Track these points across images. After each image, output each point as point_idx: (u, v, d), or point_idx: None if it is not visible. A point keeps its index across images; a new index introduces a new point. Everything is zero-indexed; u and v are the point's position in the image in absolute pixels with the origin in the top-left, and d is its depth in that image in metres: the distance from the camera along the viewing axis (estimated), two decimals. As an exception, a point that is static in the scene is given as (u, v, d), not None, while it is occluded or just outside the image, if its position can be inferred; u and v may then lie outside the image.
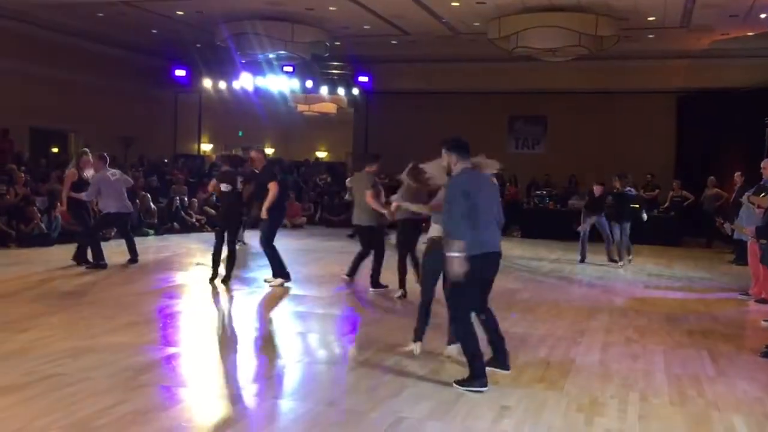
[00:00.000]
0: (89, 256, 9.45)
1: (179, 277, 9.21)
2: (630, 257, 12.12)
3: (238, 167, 8.43)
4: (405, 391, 4.66)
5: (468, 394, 4.70)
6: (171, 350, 5.61)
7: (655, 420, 4.42)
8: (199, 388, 4.61)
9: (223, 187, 8.33)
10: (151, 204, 14.18)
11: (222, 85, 20.20)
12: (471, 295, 4.85)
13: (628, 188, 12.14)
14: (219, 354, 5.65)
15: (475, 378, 4.73)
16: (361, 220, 8.46)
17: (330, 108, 21.90)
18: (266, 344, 6.08)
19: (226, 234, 8.39)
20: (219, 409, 4.27)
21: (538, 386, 5.01)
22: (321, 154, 25.52)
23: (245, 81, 19.60)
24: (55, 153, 18.49)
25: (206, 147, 22.71)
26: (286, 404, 4.39)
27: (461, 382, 4.75)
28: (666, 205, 17.06)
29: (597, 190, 12.08)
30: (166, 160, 19.76)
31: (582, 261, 12.09)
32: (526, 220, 16.74)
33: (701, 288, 10.11)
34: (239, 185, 8.33)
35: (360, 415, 4.18)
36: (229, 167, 8.41)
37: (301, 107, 21.77)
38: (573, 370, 5.43)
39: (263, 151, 9.11)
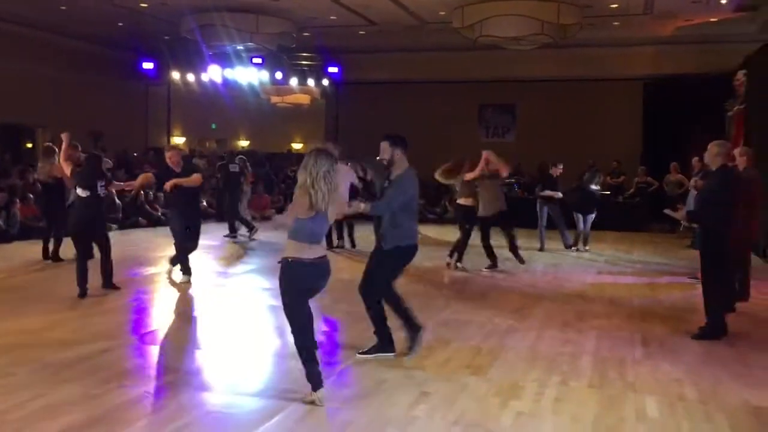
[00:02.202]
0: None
1: (137, 272, 9.18)
2: (587, 247, 12.24)
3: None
4: (329, 380, 4.67)
5: (390, 380, 4.76)
6: (103, 345, 5.61)
7: (569, 403, 4.48)
8: (117, 384, 4.57)
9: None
10: (116, 198, 14.05)
11: (190, 77, 20.11)
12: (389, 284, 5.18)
13: (594, 186, 12.16)
14: (150, 349, 5.65)
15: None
16: None
17: (303, 99, 21.81)
18: (200, 336, 6.11)
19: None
20: (131, 404, 4.24)
21: (463, 372, 5.07)
22: (297, 146, 25.11)
23: (214, 73, 19.54)
24: (28, 148, 18.30)
25: (179, 140, 22.43)
26: (200, 396, 4.41)
27: (365, 352, 5.16)
28: (631, 191, 17.16)
29: (555, 171, 12.02)
30: (135, 154, 19.63)
31: (541, 249, 12.03)
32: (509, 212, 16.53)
33: (653, 272, 10.21)
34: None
35: (277, 404, 4.22)
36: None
37: (273, 99, 21.71)
38: (501, 357, 5.49)
39: (177, 148, 8.99)
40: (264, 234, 13.79)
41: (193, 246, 8.47)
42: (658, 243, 14.06)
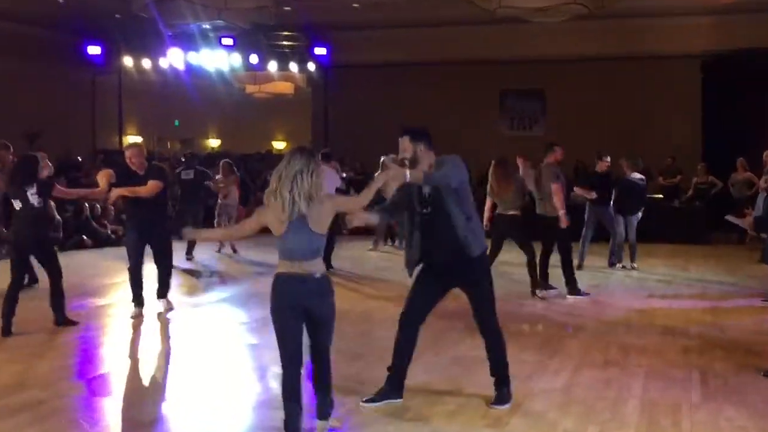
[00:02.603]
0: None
1: (84, 304, 9.07)
2: (634, 263, 12.22)
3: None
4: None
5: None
6: (41, 394, 5.59)
7: (609, 460, 4.46)
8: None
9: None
10: (56, 214, 14.04)
11: (146, 63, 20.27)
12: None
13: (637, 175, 12.15)
14: (100, 398, 5.66)
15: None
16: None
17: (285, 88, 22.14)
18: (159, 382, 6.12)
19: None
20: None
21: (478, 424, 5.04)
22: (279, 145, 25.63)
23: (175, 58, 19.76)
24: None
25: (134, 140, 21.94)
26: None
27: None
28: (690, 193, 17.21)
29: (601, 166, 11.84)
30: (80, 158, 19.68)
31: (579, 267, 11.75)
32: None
33: (716, 294, 10.22)
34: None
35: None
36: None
37: (249, 88, 22.08)
38: (526, 404, 5.46)
39: (138, 146, 8.81)
40: (245, 253, 13.86)
41: (162, 271, 8.50)
42: (723, 257, 14.07)
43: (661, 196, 17.11)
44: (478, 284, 5.20)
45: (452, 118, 19.69)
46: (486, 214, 9.76)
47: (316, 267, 4.37)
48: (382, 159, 13.27)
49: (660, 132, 19.10)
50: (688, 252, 14.61)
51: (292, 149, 4.36)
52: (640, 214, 12.00)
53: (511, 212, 9.53)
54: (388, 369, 5.31)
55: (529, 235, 9.72)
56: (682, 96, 19.41)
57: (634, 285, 10.87)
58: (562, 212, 9.40)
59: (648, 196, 15.91)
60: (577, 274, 11.04)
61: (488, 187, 9.63)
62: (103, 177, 8.15)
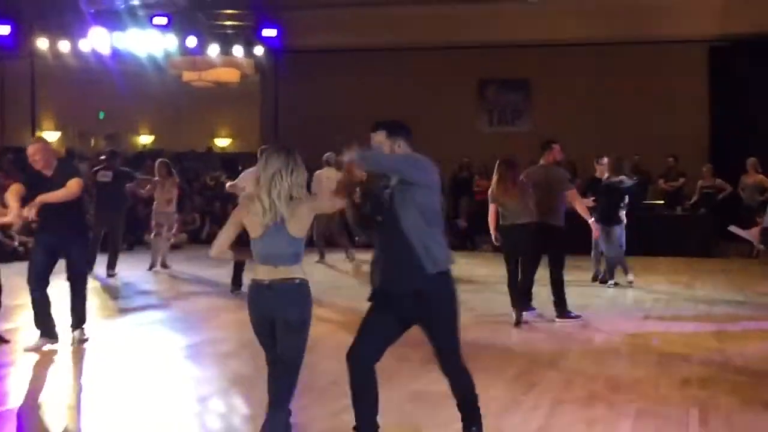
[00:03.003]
0: None
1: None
2: (629, 278, 12.22)
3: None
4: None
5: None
6: None
7: None
8: None
9: None
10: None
11: (64, 46, 19.96)
12: None
13: (621, 177, 12.19)
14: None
15: None
16: None
17: (230, 75, 21.99)
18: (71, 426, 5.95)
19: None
20: None
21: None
22: (222, 142, 25.55)
23: (98, 40, 19.49)
24: None
25: (51, 136, 22.20)
26: None
27: None
28: (694, 199, 17.25)
29: (600, 170, 12.12)
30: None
31: (603, 281, 12.24)
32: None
33: (723, 316, 10.19)
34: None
35: None
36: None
37: (187, 76, 21.96)
38: (494, 446, 5.33)
39: (42, 141, 8.52)
40: (178, 268, 13.90)
41: (76, 297, 8.32)
42: (732, 272, 14.07)
43: (662, 202, 17.30)
44: (438, 314, 4.89)
45: (423, 112, 19.02)
46: (491, 224, 9.58)
47: (295, 273, 4.61)
48: (324, 157, 14.10)
49: (661, 129, 18.98)
50: (692, 266, 14.64)
51: (269, 148, 4.65)
52: (622, 224, 11.95)
53: (523, 221, 9.26)
54: (354, 429, 4.94)
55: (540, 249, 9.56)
56: (686, 87, 19.38)
57: (629, 305, 10.91)
58: (592, 220, 9.86)
59: (646, 202, 16.63)
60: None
61: (489, 191, 9.57)
62: (12, 196, 7.71)
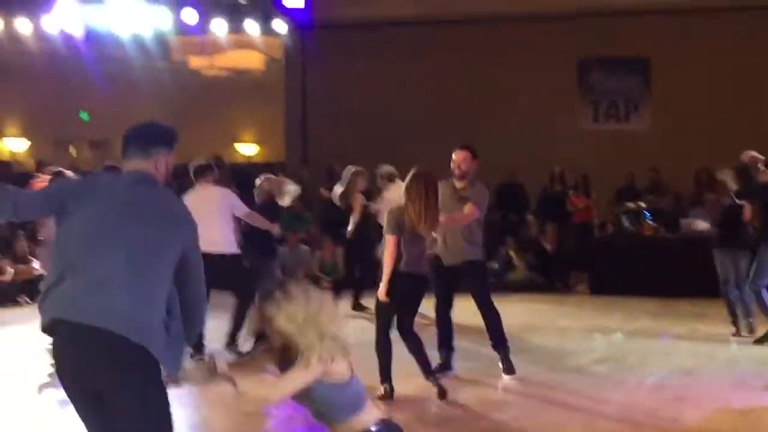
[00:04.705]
0: None
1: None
2: (751, 319, 11.38)
3: None
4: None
5: None
6: None
7: None
8: None
9: None
10: None
11: (23, 25, 18.47)
12: None
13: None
14: None
15: None
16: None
17: (251, 60, 20.38)
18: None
19: None
20: None
21: None
22: (247, 149, 24.17)
23: (65, 17, 17.95)
24: None
25: (17, 145, 21.98)
26: None
27: None
28: None
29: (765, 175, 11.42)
30: None
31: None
32: (603, 260, 15.79)
33: None
34: None
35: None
36: None
37: (195, 62, 20.34)
38: None
39: None
40: None
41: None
42: None
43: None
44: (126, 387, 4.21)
45: (498, 106, 18.98)
46: None
47: None
48: (351, 170, 12.80)
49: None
50: None
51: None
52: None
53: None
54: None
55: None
56: None
57: (743, 369, 9.80)
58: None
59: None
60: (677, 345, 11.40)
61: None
62: None
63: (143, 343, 3.99)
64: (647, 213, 15.92)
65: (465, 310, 9.57)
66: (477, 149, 9.07)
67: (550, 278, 15.85)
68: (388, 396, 7.99)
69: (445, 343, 8.82)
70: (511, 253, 15.80)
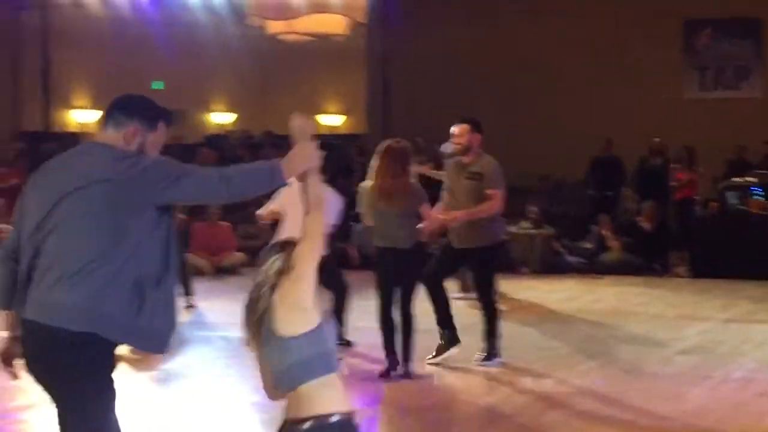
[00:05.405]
0: None
1: None
2: None
3: None
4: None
5: None
6: None
7: None
8: None
9: None
10: None
11: None
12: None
13: None
14: None
15: None
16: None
17: (334, 25, 19.89)
18: None
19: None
20: None
21: None
22: (331, 120, 24.15)
23: None
24: None
25: (86, 116, 21.63)
26: None
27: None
28: None
29: None
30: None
31: None
32: (706, 240, 15.70)
33: None
34: None
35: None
36: None
37: (273, 27, 20.01)
38: None
39: None
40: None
41: None
42: None
43: None
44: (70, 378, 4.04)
45: (598, 71, 19.13)
46: None
47: None
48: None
49: None
50: None
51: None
52: None
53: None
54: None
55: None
56: None
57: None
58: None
59: None
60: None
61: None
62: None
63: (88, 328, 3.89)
64: (756, 189, 15.86)
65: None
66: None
67: (647, 259, 15.39)
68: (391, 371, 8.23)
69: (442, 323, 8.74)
70: (605, 233, 15.45)
